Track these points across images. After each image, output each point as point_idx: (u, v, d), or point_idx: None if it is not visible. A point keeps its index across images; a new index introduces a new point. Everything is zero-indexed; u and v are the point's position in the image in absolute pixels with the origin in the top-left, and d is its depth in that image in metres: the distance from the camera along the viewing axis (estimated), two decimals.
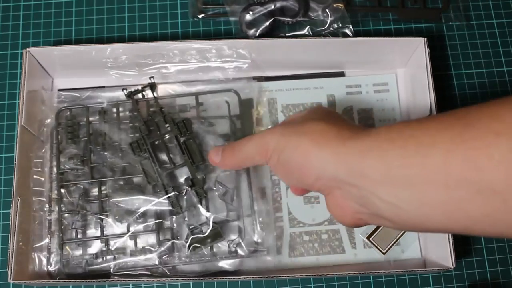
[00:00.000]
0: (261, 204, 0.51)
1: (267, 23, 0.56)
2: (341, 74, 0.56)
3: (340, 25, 0.56)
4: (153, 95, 0.52)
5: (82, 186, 0.50)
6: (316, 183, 0.36)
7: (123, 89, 0.52)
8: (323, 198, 0.52)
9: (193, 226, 0.49)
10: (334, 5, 0.56)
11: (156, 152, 0.49)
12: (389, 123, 0.54)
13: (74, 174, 0.50)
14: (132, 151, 0.49)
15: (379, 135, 0.33)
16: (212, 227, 0.48)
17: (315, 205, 0.52)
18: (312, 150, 0.35)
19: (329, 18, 0.56)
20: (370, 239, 0.51)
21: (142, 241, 0.49)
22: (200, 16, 0.58)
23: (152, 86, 0.52)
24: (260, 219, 0.50)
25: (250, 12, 0.55)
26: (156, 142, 0.50)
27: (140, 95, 0.52)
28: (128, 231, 0.49)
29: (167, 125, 0.50)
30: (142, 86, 0.52)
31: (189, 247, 0.48)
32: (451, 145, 0.29)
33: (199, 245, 0.48)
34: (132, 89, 0.52)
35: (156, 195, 0.49)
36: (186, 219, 0.49)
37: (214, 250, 0.49)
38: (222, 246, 0.50)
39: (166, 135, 0.50)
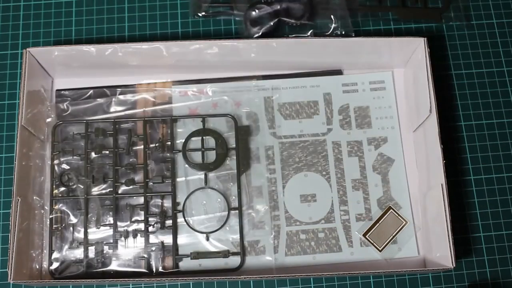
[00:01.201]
0: (258, 202, 0.51)
1: (272, 23, 0.56)
2: (339, 72, 0.56)
3: (343, 32, 0.56)
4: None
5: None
6: None
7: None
8: (320, 197, 0.52)
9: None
10: (339, 13, 0.56)
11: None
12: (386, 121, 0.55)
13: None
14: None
15: None
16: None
17: (311, 204, 0.52)
18: None
19: (333, 24, 0.56)
20: (367, 236, 0.51)
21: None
22: (201, 14, 0.58)
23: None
24: (257, 218, 0.50)
25: (256, 10, 0.56)
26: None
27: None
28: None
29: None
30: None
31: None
32: None
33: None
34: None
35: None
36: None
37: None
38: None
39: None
